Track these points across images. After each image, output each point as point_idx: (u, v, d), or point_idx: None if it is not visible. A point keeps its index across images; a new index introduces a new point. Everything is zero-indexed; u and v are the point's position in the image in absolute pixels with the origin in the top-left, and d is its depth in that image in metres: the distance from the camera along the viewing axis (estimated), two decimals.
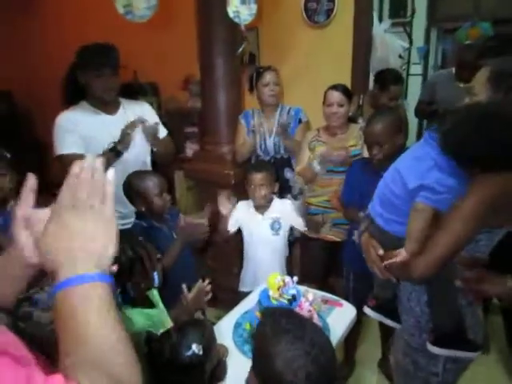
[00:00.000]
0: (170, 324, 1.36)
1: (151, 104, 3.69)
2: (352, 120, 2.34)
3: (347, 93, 2.19)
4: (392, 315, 1.40)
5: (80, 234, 0.59)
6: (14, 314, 2.04)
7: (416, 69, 6.04)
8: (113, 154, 1.93)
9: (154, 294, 1.40)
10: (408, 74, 5.80)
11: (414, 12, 5.36)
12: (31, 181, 0.71)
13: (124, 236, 1.19)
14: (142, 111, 2.13)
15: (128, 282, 1.34)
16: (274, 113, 2.54)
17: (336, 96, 2.15)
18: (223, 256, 2.69)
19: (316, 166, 2.08)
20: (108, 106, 2.02)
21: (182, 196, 3.03)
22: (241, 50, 2.35)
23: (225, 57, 2.51)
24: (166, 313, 1.40)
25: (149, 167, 2.19)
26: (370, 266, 1.30)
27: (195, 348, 1.02)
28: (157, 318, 1.37)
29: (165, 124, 2.29)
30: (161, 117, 2.52)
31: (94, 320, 0.55)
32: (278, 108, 2.56)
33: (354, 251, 1.97)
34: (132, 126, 1.96)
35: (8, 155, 1.91)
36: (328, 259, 2.30)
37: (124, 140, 1.93)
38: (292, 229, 2.20)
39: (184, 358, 1.01)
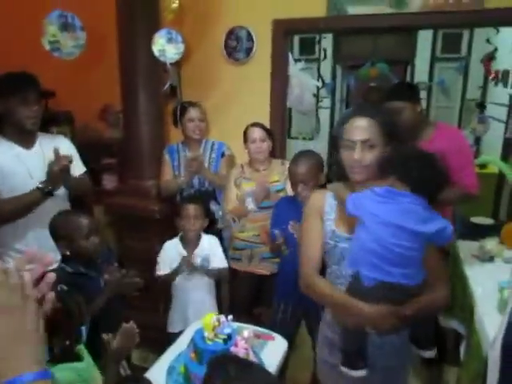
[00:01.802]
0: (99, 378, 1.28)
1: (65, 134, 3.51)
2: (273, 155, 2.45)
3: (266, 129, 2.31)
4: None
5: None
6: None
7: (325, 102, 6.52)
8: (41, 194, 1.79)
9: (82, 349, 1.31)
10: (318, 108, 6.25)
11: (325, 52, 5.85)
12: None
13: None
14: (59, 145, 2.01)
15: (52, 336, 1.23)
16: (198, 147, 2.56)
17: (257, 131, 2.25)
18: (147, 294, 2.59)
19: (250, 204, 2.14)
20: (24, 140, 1.89)
21: (102, 233, 2.87)
22: (167, 87, 2.36)
23: (148, 90, 2.49)
24: (95, 367, 1.31)
25: (66, 201, 2.07)
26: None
27: None
28: (85, 372, 1.28)
29: (80, 155, 2.18)
30: (76, 148, 2.40)
31: None
32: (203, 142, 2.59)
33: (285, 284, 2.05)
34: (59, 164, 1.79)
35: None
36: (255, 291, 2.34)
37: (52, 180, 1.79)
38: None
39: None
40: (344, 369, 1.32)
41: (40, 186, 1.78)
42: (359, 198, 1.27)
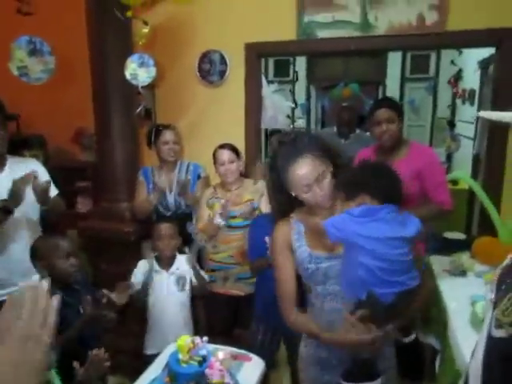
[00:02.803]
0: None
1: (37, 157, 3.46)
2: (245, 176, 2.47)
3: (235, 150, 2.34)
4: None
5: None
6: None
7: (300, 122, 6.63)
8: (2, 213, 1.75)
9: (52, 375, 1.27)
10: (294, 128, 6.35)
11: (297, 74, 6.00)
12: None
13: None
14: (30, 169, 1.99)
15: None
16: (173, 169, 2.57)
17: (226, 154, 2.27)
18: (123, 318, 2.54)
19: (218, 219, 2.14)
20: None
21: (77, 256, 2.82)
22: (139, 110, 2.37)
23: (121, 113, 2.51)
24: None
25: (38, 226, 2.03)
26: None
27: None
28: None
29: (53, 178, 2.17)
30: (48, 171, 2.36)
31: None
32: (178, 164, 2.60)
33: (263, 305, 2.04)
34: (24, 181, 1.79)
35: None
36: (232, 313, 2.32)
37: (15, 197, 1.76)
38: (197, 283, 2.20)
39: None
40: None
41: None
42: (340, 222, 1.30)
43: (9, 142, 2.11)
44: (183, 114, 3.11)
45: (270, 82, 4.09)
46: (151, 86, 3.17)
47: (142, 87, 2.22)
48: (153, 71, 2.11)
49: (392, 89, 6.64)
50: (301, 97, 6.76)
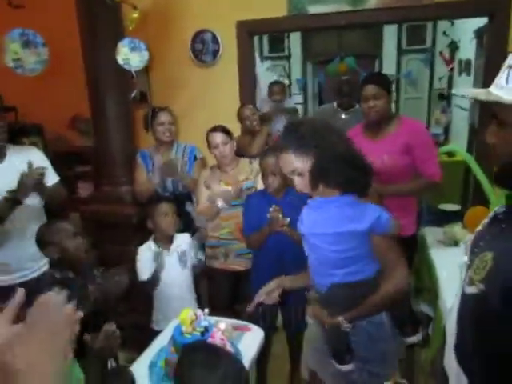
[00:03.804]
0: (81, 375, 1.33)
1: (36, 145, 3.51)
2: (241, 155, 2.52)
3: (227, 131, 2.35)
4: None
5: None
6: None
7: (297, 99, 6.61)
8: (9, 203, 1.81)
9: None
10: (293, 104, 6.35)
11: (290, 50, 5.95)
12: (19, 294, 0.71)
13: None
14: (30, 157, 2.04)
15: None
16: (170, 150, 2.61)
17: (218, 136, 2.29)
18: (128, 295, 2.63)
19: (220, 203, 2.21)
20: None
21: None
22: (134, 94, 2.40)
23: (116, 98, 2.54)
24: (77, 366, 1.36)
25: (43, 213, 2.10)
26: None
27: None
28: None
29: (53, 165, 2.21)
30: (48, 158, 2.41)
31: None
32: (174, 146, 2.65)
33: (260, 279, 2.11)
34: (33, 174, 1.84)
35: None
36: (233, 288, 2.41)
37: (24, 188, 1.81)
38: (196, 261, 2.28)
39: None
40: (334, 363, 1.44)
41: (7, 195, 1.80)
42: (303, 214, 1.46)
43: (8, 130, 2.16)
44: (178, 96, 3.13)
45: (265, 59, 4.09)
46: (145, 69, 3.18)
47: (136, 71, 2.24)
48: (145, 55, 2.13)
49: (388, 61, 6.58)
50: (296, 73, 6.72)
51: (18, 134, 3.24)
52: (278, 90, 3.73)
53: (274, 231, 1.96)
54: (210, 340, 1.54)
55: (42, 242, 1.73)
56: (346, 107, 3.37)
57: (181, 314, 1.57)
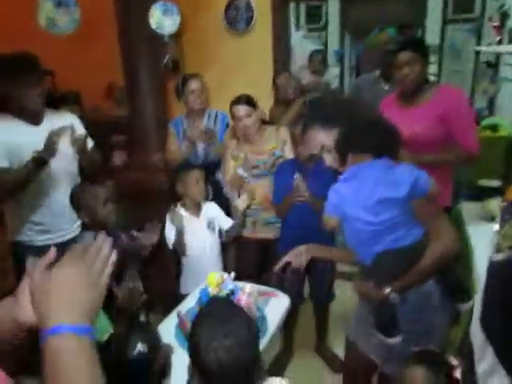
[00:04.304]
0: (110, 329, 1.39)
1: (74, 113, 3.59)
2: (266, 122, 2.47)
3: (251, 102, 2.27)
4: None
5: (72, 291, 0.64)
6: None
7: (334, 71, 6.42)
8: (37, 163, 1.86)
9: None
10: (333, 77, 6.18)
11: (327, 19, 5.75)
12: (52, 252, 0.74)
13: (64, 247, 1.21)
14: (67, 122, 2.09)
15: None
16: (201, 118, 2.61)
17: (241, 109, 2.23)
18: (158, 261, 2.71)
19: (241, 172, 2.20)
20: (32, 117, 1.96)
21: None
22: (166, 60, 2.40)
23: (149, 66, 2.55)
24: (106, 320, 1.42)
25: (78, 178, 2.16)
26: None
27: (141, 347, 1.07)
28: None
29: (89, 133, 2.27)
30: (85, 126, 2.47)
31: (65, 370, 0.59)
32: (206, 113, 2.64)
33: (288, 246, 2.12)
34: (58, 133, 1.87)
35: None
36: (261, 256, 2.43)
37: (49, 148, 1.85)
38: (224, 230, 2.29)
39: (131, 357, 1.06)
40: (380, 336, 1.38)
41: (34, 155, 1.83)
42: (332, 197, 1.37)
43: (46, 98, 2.21)
44: (210, 64, 3.11)
45: (300, 28, 3.98)
46: (178, 37, 3.17)
47: (168, 37, 2.23)
48: (177, 19, 2.11)
49: (432, 32, 6.24)
50: (333, 44, 6.50)
51: (57, 102, 3.34)
52: (319, 59, 3.62)
53: (297, 200, 1.94)
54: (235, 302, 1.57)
55: (75, 204, 1.79)
56: (389, 78, 3.24)
57: (208, 277, 1.59)
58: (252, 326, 1.01)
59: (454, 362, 1.21)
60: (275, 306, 1.78)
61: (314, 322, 2.42)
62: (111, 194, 1.82)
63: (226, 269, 2.38)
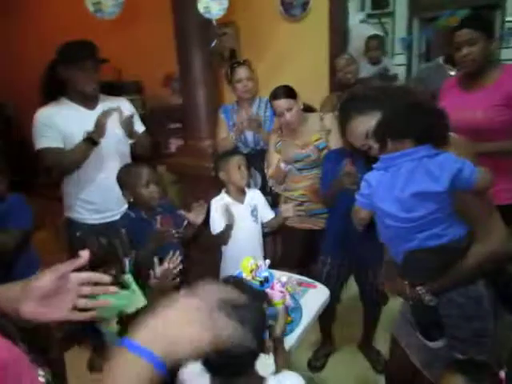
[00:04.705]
0: (142, 304, 1.42)
1: (134, 102, 3.75)
2: (310, 109, 2.36)
3: (291, 93, 2.16)
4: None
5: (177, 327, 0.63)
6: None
7: (400, 59, 6.10)
8: (88, 143, 1.96)
9: (127, 278, 1.47)
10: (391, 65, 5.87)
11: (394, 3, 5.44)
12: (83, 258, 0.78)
13: (107, 229, 1.26)
14: (121, 105, 2.17)
15: (99, 268, 1.40)
16: (251, 105, 2.59)
17: (282, 104, 2.14)
18: (203, 246, 2.74)
19: (282, 165, 2.16)
20: (87, 101, 2.06)
21: (165, 188, 3.09)
22: (213, 44, 2.41)
23: (201, 53, 2.57)
24: (140, 294, 1.46)
25: (129, 158, 2.23)
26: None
27: None
28: (127, 298, 1.43)
29: (148, 121, 2.34)
30: (145, 114, 2.57)
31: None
32: (256, 100, 2.62)
33: (333, 239, 2.05)
34: (107, 114, 1.96)
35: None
36: (306, 246, 2.37)
37: (99, 128, 1.94)
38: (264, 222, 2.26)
39: None
40: (421, 338, 1.28)
41: (84, 136, 1.94)
42: (364, 186, 1.27)
43: (108, 86, 2.31)
44: (265, 51, 3.08)
45: (361, 13, 3.80)
46: (233, 25, 3.18)
47: (221, 24, 2.22)
48: (225, 3, 2.10)
49: None
50: (400, 31, 6.16)
51: (118, 92, 3.51)
52: (376, 45, 3.43)
53: (345, 187, 1.84)
54: (268, 291, 1.54)
55: (120, 183, 1.86)
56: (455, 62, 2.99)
57: (242, 262, 1.58)
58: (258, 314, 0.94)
59: (503, 375, 1.08)
60: (312, 298, 1.72)
61: (362, 319, 2.32)
62: (153, 176, 1.85)
63: (266, 257, 2.36)
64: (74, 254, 0.84)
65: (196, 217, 1.93)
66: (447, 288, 1.23)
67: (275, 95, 2.16)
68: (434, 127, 1.15)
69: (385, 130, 1.19)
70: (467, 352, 1.26)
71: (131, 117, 2.00)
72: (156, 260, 1.52)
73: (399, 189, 1.15)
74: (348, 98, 1.44)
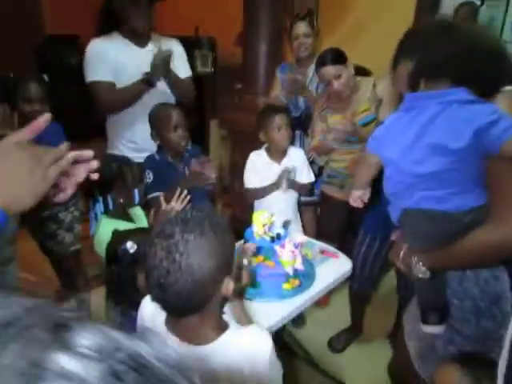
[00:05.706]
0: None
1: (206, 57, 3.73)
2: (362, 72, 2.11)
3: (339, 58, 1.93)
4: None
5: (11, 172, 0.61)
6: (42, 232, 2.17)
7: (509, 47, 5.38)
8: (144, 84, 1.92)
9: (136, 210, 1.42)
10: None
11: None
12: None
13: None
14: (171, 46, 2.09)
15: (108, 194, 1.37)
16: (308, 66, 2.35)
17: (329, 71, 1.91)
18: (234, 205, 2.66)
19: (331, 143, 1.99)
20: (138, 38, 2.04)
21: (216, 145, 3.04)
22: None
23: (268, 9, 2.43)
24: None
25: (173, 100, 2.13)
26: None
27: (129, 246, 1.03)
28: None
29: (216, 79, 2.23)
30: (214, 71, 2.49)
31: None
32: (314, 60, 2.41)
33: (376, 217, 1.84)
34: (162, 54, 1.87)
35: (46, 80, 2.01)
36: (346, 217, 2.18)
37: (155, 69, 1.87)
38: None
39: (118, 251, 1.03)
40: (420, 323, 1.12)
41: (142, 77, 1.91)
42: (380, 128, 1.13)
43: (184, 41, 2.25)
44: (346, 14, 2.87)
45: None
46: None
47: None
48: None
49: None
50: None
51: (191, 47, 3.50)
52: (465, 15, 2.98)
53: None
54: (278, 248, 1.40)
55: (150, 123, 1.82)
56: None
57: (254, 214, 1.46)
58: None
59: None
60: (331, 267, 1.58)
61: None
62: (181, 120, 1.76)
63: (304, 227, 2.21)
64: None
65: (211, 172, 1.81)
66: (445, 266, 1.04)
67: (322, 61, 1.92)
68: (482, 69, 0.91)
69: (418, 68, 0.98)
70: (466, 350, 1.08)
71: (168, 55, 1.90)
72: (162, 198, 1.46)
73: (414, 135, 0.96)
74: (400, 42, 1.23)
